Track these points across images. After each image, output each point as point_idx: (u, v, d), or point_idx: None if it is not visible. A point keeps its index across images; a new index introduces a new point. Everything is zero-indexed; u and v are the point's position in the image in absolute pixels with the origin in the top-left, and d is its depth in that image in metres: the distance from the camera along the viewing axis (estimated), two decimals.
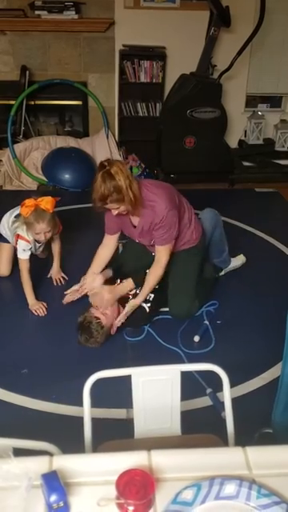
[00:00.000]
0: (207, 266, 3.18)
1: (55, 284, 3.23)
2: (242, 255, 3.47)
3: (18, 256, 2.98)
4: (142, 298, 2.79)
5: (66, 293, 2.96)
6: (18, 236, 2.94)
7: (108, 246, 2.93)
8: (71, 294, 2.94)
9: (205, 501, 1.08)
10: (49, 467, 1.13)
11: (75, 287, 2.94)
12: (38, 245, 3.05)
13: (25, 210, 2.81)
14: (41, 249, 3.14)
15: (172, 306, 2.91)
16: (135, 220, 2.74)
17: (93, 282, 2.85)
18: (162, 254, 2.74)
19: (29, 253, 2.95)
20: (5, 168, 4.67)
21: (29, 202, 2.83)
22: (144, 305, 2.82)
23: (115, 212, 2.60)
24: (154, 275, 2.76)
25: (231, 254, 3.36)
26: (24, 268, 2.95)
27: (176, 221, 2.68)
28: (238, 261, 3.44)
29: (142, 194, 2.58)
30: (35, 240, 2.95)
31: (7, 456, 1.08)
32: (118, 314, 2.76)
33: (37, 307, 2.97)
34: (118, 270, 2.98)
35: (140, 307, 2.81)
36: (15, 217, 3.03)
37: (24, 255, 2.94)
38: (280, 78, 5.21)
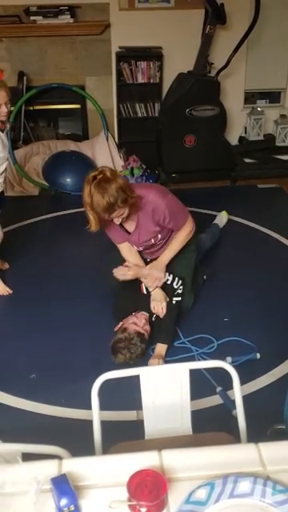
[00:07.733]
0: (200, 268, 3.15)
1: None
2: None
3: None
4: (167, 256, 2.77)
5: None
6: None
7: (130, 249, 2.80)
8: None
9: (219, 500, 1.06)
10: (58, 471, 1.12)
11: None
12: None
13: None
14: None
15: None
16: (130, 226, 2.68)
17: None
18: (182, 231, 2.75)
19: None
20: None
21: None
22: (175, 298, 2.78)
23: (119, 221, 2.52)
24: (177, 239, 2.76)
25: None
26: None
27: (178, 202, 2.70)
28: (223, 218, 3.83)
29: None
30: None
31: (16, 461, 1.07)
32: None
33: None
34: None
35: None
36: None
37: None
38: (278, 73, 5.19)
